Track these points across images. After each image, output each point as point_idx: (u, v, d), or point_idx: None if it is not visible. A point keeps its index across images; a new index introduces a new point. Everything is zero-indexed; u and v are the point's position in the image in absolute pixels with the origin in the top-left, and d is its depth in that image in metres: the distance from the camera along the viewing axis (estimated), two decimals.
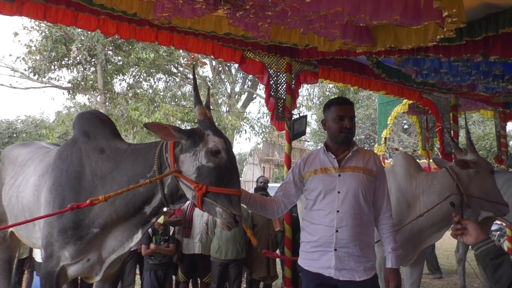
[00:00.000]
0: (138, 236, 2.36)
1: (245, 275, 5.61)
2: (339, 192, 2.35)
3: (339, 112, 2.44)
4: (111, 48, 13.49)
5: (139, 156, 2.36)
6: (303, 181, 2.54)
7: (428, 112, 7.96)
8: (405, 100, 8.04)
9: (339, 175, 2.39)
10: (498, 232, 9.89)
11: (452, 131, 7.20)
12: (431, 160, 9.40)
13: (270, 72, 5.25)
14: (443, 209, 3.25)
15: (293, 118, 5.22)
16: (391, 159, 22.88)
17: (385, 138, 9.16)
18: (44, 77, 13.60)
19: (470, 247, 5.64)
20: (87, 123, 2.58)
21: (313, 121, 27.01)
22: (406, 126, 27.84)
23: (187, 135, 2.20)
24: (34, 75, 13.58)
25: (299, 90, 5.75)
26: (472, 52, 3.39)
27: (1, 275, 3.20)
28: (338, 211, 2.32)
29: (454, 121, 7.29)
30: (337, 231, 2.30)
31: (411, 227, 3.32)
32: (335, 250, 2.29)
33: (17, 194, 2.75)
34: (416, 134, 24.44)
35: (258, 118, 16.68)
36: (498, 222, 7.90)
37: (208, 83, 15.83)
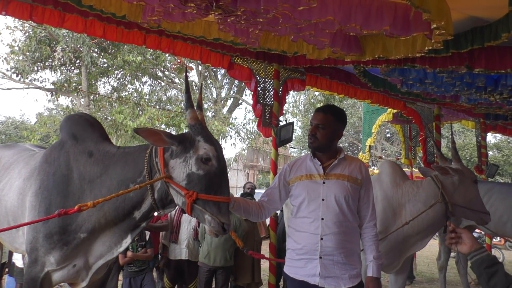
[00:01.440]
0: (128, 241, 2.32)
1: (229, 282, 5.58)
2: (323, 200, 2.36)
3: (311, 119, 2.52)
4: (96, 50, 13.33)
5: (128, 160, 2.32)
6: (288, 187, 2.55)
7: (411, 121, 8.09)
8: (389, 109, 8.16)
9: (324, 182, 2.41)
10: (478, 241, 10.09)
11: (435, 141, 7.34)
12: (414, 169, 9.55)
13: (258, 78, 5.27)
14: (428, 217, 3.30)
15: (280, 125, 5.24)
16: (374, 167, 23.15)
17: (369, 146, 9.26)
18: (27, 78, 13.34)
19: (451, 255, 5.73)
20: (76, 125, 2.53)
21: (298, 128, 27.17)
22: (389, 135, 28.20)
23: (178, 141, 2.18)
24: (17, 76, 13.32)
25: (286, 97, 5.79)
26: (457, 64, 3.46)
27: None
28: (322, 219, 2.33)
29: (437, 130, 7.43)
30: (322, 238, 2.31)
31: (397, 235, 3.36)
32: (320, 258, 2.30)
33: (0, 197, 2.68)
34: (399, 143, 24.79)
35: (244, 124, 16.68)
36: (478, 230, 8.05)
37: (195, 87, 15.76)
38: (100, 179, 2.31)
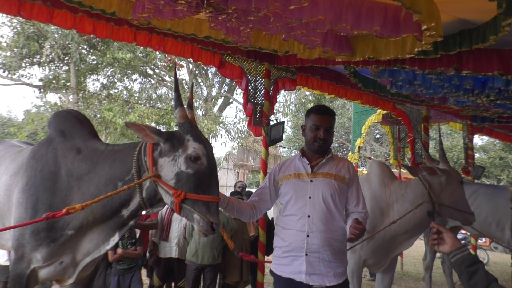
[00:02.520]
0: (115, 238, 2.30)
1: (217, 280, 5.57)
2: (310, 197, 2.39)
3: (316, 122, 2.49)
4: (85, 47, 13.19)
5: (117, 157, 2.31)
6: (277, 186, 2.56)
7: (400, 122, 8.16)
8: (379, 110, 8.23)
9: (311, 181, 2.43)
10: (463, 241, 10.22)
11: (423, 142, 7.42)
12: (402, 170, 9.64)
13: (249, 77, 5.26)
14: (415, 216, 3.34)
15: (270, 124, 5.25)
16: (363, 167, 23.31)
17: (359, 146, 9.33)
18: (14, 74, 13.16)
19: (437, 255, 5.79)
20: (64, 122, 2.50)
21: (288, 128, 27.24)
22: (378, 136, 28.43)
23: (165, 138, 2.17)
24: (4, 72, 13.14)
25: (277, 96, 5.80)
26: (446, 66, 3.50)
27: None
28: (309, 216, 2.35)
29: (425, 132, 7.52)
30: (308, 236, 2.33)
31: (384, 234, 3.39)
32: (306, 255, 2.32)
33: None
34: (388, 144, 24.98)
35: (234, 123, 16.64)
36: (463, 231, 8.16)
37: (185, 86, 15.69)
38: (88, 176, 2.29)
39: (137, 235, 4.56)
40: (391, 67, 4.02)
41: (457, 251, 1.65)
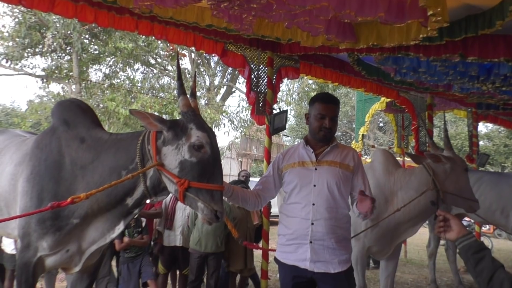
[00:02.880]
0: (120, 227, 2.32)
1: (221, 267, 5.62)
2: (315, 186, 2.39)
3: (321, 111, 2.46)
4: (87, 36, 13.13)
5: (121, 146, 2.31)
6: (281, 175, 2.56)
7: (404, 110, 8.12)
8: (383, 98, 8.19)
9: (316, 169, 2.43)
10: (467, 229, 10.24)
11: (427, 129, 7.39)
12: (406, 158, 9.62)
13: (252, 66, 5.24)
14: (420, 204, 3.33)
15: (273, 113, 5.23)
16: (366, 156, 23.28)
17: (362, 135, 9.31)
18: (17, 64, 13.14)
19: (441, 242, 5.79)
20: (67, 111, 2.50)
21: (291, 117, 27.18)
22: (381, 124, 28.33)
23: (168, 127, 2.17)
24: (6, 62, 13.13)
25: (280, 85, 5.77)
26: (451, 52, 3.46)
27: None
28: (313, 204, 2.35)
29: (430, 120, 7.48)
30: (312, 223, 2.33)
31: (388, 222, 3.39)
32: (311, 242, 2.33)
33: None
34: (391, 132, 24.87)
35: (237, 112, 16.61)
36: (467, 218, 8.16)
37: (188, 75, 15.64)
38: (92, 165, 2.30)
39: (143, 224, 4.59)
40: (395, 54, 3.99)
41: (463, 238, 1.65)
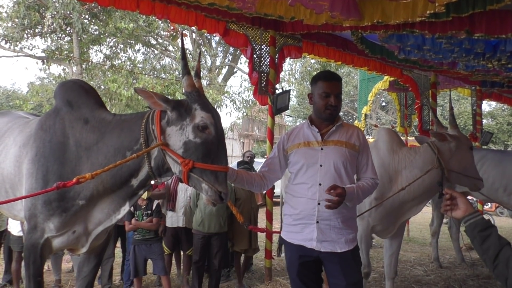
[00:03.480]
0: (126, 208, 2.33)
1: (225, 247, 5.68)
2: (321, 166, 2.37)
3: (326, 89, 2.43)
4: (87, 17, 12.96)
5: (125, 127, 2.29)
6: (287, 155, 2.55)
7: (408, 89, 8.06)
8: (386, 77, 8.11)
9: (322, 149, 2.41)
10: None
11: (431, 108, 7.35)
12: (409, 138, 9.60)
13: (254, 45, 5.18)
14: (424, 183, 3.32)
15: (276, 93, 5.20)
16: (369, 135, 23.25)
17: (365, 114, 9.26)
18: (17, 45, 13.02)
19: (444, 221, 5.81)
20: (70, 92, 2.48)
21: (293, 97, 27.02)
22: (383, 104, 28.21)
23: (172, 106, 2.15)
24: (6, 43, 13.01)
25: (282, 65, 5.72)
26: (457, 28, 3.40)
27: None
28: (320, 184, 2.34)
29: (433, 98, 7.44)
30: (319, 203, 2.33)
31: (392, 201, 3.39)
32: (317, 222, 2.33)
33: None
34: (394, 112, 24.73)
35: (239, 93, 16.50)
36: (470, 197, 8.19)
37: (189, 55, 15.49)
38: (96, 146, 2.29)
39: (154, 207, 4.57)
40: (400, 32, 3.93)
41: (470, 216, 1.65)
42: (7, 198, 2.56)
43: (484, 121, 22.39)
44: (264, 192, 5.18)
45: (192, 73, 2.28)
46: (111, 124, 2.34)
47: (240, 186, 2.54)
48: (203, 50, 16.51)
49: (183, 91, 2.24)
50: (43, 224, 2.30)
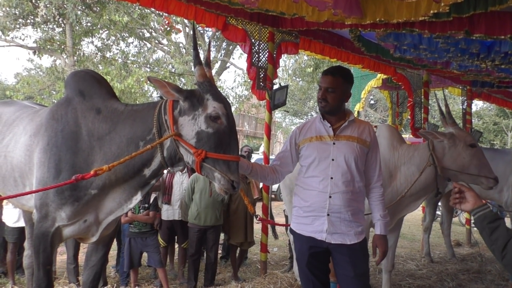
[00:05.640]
0: (138, 197, 2.36)
1: (221, 241, 5.73)
2: (333, 160, 2.43)
3: (320, 83, 2.53)
4: (81, 7, 12.78)
5: (137, 117, 2.32)
6: (298, 149, 2.60)
7: (400, 87, 8.16)
8: (379, 75, 8.20)
9: (334, 143, 2.46)
10: None
11: (423, 107, 7.47)
12: (405, 135, 9.73)
13: (252, 40, 5.20)
14: (420, 180, 3.40)
15: (274, 88, 5.23)
16: None
17: (358, 111, 9.35)
18: (8, 35, 12.80)
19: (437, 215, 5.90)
20: (82, 82, 2.49)
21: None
22: (372, 102, 28.44)
23: (185, 96, 2.18)
24: None
25: (280, 60, 5.75)
26: (457, 29, 3.47)
27: None
28: (331, 178, 2.41)
29: (425, 97, 7.55)
30: (330, 197, 2.39)
31: (391, 197, 3.46)
32: (328, 215, 2.39)
33: (5, 154, 2.65)
34: (382, 110, 24.91)
35: (233, 88, 16.47)
36: None
37: (182, 49, 15.40)
38: (109, 136, 2.31)
39: (151, 200, 4.58)
40: (400, 31, 3.98)
41: (479, 209, 1.73)
42: (15, 187, 2.57)
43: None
44: (261, 186, 5.25)
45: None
46: (123, 114, 2.36)
47: (254, 178, 2.64)
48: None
49: (195, 81, 2.26)
50: (54, 213, 2.31)
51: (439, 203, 6.79)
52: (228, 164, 2.12)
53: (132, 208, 4.30)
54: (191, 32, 16.17)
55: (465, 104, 8.59)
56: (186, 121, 2.18)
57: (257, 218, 3.13)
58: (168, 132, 2.20)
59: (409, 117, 7.91)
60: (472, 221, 2.04)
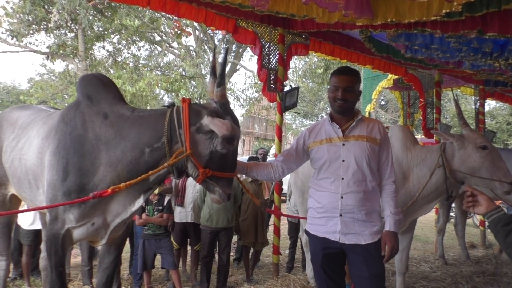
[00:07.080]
0: (140, 201, 2.40)
1: (234, 243, 5.74)
2: (343, 161, 2.42)
3: (335, 83, 2.49)
4: (92, 13, 12.94)
5: (144, 123, 2.35)
6: (307, 151, 2.61)
7: (411, 88, 8.10)
8: (390, 76, 8.15)
9: (343, 144, 2.46)
10: None
11: (435, 107, 7.40)
12: (417, 135, 9.64)
13: (263, 42, 5.21)
14: (431, 182, 3.36)
15: (285, 90, 5.24)
16: None
17: (369, 112, 9.31)
18: (22, 41, 13.01)
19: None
20: (90, 86, 2.53)
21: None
22: (383, 103, 28.27)
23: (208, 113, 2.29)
24: (12, 39, 12.99)
25: (290, 62, 5.75)
26: (470, 28, 3.43)
27: (0, 239, 3.16)
28: (343, 178, 2.40)
29: (437, 97, 7.48)
30: (342, 197, 2.38)
31: (404, 198, 3.43)
32: (341, 215, 2.38)
33: (20, 156, 2.70)
34: (393, 111, 24.72)
35: (243, 90, 16.52)
36: None
37: (193, 52, 15.49)
38: (114, 141, 2.35)
39: (165, 202, 4.61)
40: (411, 31, 3.95)
41: (492, 212, 1.71)
42: (30, 189, 2.63)
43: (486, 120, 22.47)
44: (272, 188, 5.25)
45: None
46: (129, 120, 2.39)
47: (251, 176, 2.75)
48: (206, 47, 16.49)
49: (215, 99, 2.33)
50: (63, 215, 2.36)
51: (453, 205, 6.71)
52: (228, 181, 2.30)
53: (146, 211, 4.41)
54: (201, 35, 16.37)
55: (478, 104, 8.49)
56: (202, 139, 2.26)
57: (264, 210, 3.18)
58: (179, 145, 2.26)
59: (420, 117, 7.84)
60: (487, 223, 2.01)
